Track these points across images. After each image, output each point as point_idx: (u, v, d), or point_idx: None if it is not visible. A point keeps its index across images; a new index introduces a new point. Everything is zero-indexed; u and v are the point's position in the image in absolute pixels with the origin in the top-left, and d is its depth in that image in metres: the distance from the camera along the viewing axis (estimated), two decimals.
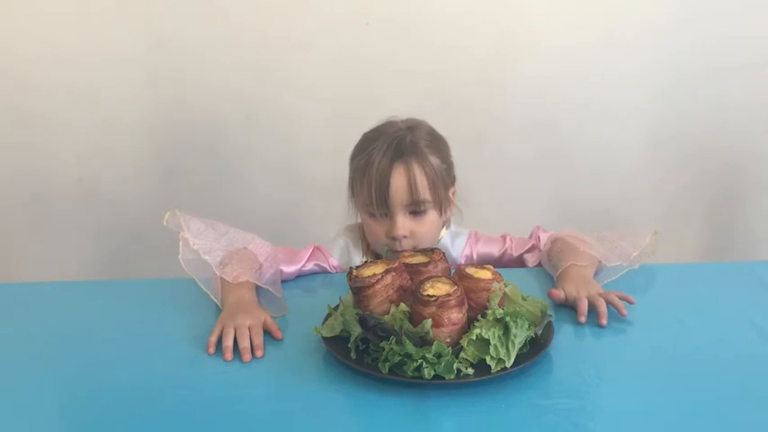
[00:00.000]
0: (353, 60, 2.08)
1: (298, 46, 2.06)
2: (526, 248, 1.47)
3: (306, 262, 1.41)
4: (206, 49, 2.06)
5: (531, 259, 1.46)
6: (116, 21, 2.03)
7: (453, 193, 1.45)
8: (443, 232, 1.46)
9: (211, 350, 1.09)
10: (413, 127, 1.41)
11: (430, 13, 2.06)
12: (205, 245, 1.27)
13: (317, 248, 1.44)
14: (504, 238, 1.50)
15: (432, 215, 1.38)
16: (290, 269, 1.38)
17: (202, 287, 1.24)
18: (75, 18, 2.03)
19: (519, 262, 1.47)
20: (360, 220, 1.46)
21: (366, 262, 1.11)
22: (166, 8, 2.03)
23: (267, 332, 1.14)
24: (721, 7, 2.07)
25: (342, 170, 1.44)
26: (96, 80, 2.08)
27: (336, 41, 2.06)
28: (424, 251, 1.17)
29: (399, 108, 1.44)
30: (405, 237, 1.35)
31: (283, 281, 1.35)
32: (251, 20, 2.04)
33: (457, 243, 1.48)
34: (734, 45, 2.09)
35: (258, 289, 1.26)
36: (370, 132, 1.42)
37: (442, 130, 1.45)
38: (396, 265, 1.08)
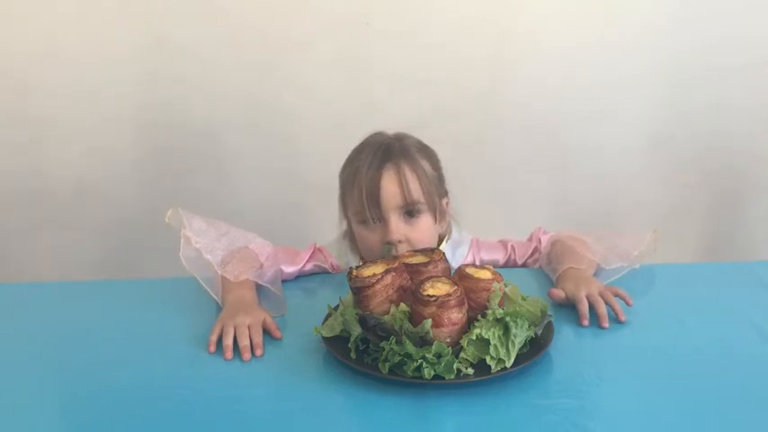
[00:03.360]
0: (353, 60, 2.08)
1: (298, 46, 2.06)
2: (529, 255, 1.45)
3: (306, 262, 1.41)
4: (206, 49, 2.06)
5: (535, 266, 1.44)
6: (116, 21, 2.03)
7: (447, 204, 1.42)
8: (443, 244, 1.43)
9: (212, 349, 1.09)
10: (401, 136, 1.39)
11: (430, 13, 2.06)
12: (207, 244, 1.27)
13: (317, 249, 1.44)
14: (504, 244, 1.48)
15: (426, 219, 1.34)
16: (290, 269, 1.39)
17: (203, 284, 1.24)
18: (75, 18, 2.03)
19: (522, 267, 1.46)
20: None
21: (366, 262, 1.11)
22: (166, 8, 2.03)
23: (266, 331, 1.14)
24: (721, 7, 2.07)
25: None
26: (96, 80, 2.08)
27: (336, 41, 2.06)
28: (424, 251, 1.17)
29: (399, 109, 1.43)
30: (400, 242, 1.31)
31: (283, 281, 1.36)
32: (251, 20, 2.04)
33: (458, 253, 1.44)
34: (734, 45, 2.09)
35: (258, 289, 1.26)
36: (357, 146, 1.40)
37: (441, 129, 1.44)
38: (396, 265, 1.08)
